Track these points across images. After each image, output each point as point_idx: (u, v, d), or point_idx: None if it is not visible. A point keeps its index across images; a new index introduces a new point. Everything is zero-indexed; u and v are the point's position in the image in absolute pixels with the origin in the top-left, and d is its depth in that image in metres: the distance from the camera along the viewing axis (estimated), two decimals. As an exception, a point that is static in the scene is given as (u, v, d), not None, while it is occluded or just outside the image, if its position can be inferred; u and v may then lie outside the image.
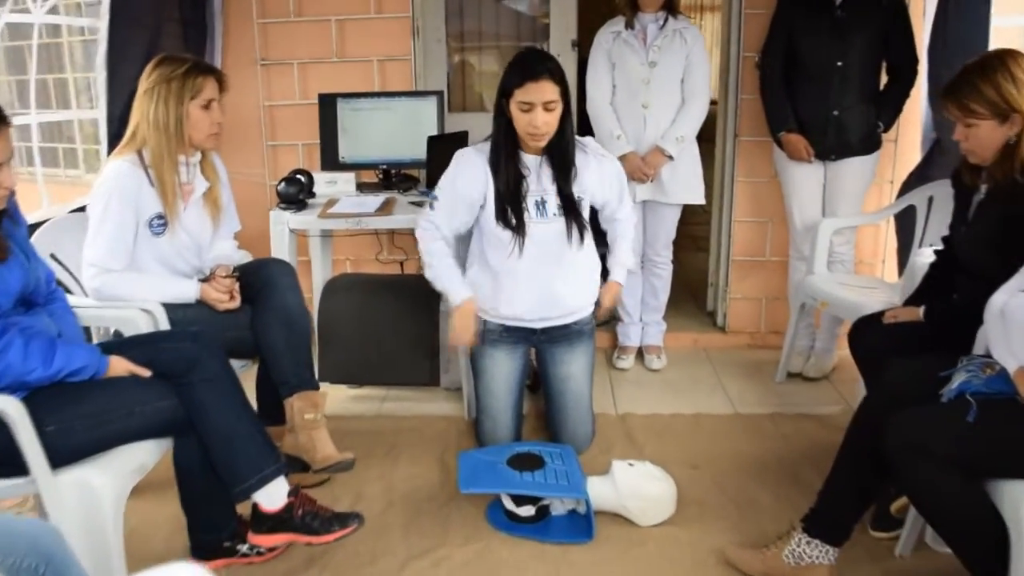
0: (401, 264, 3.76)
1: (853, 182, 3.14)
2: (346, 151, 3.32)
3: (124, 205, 2.22)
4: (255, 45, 3.57)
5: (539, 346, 2.69)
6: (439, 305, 3.03)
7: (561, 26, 4.05)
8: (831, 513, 1.98)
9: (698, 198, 3.28)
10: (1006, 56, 1.94)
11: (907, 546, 2.11)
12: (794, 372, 3.35)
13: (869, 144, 3.10)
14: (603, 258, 2.74)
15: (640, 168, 3.12)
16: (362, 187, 3.31)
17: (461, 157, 2.52)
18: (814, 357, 3.35)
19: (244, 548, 2.12)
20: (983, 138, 1.97)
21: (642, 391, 3.28)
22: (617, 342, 3.57)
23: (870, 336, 2.29)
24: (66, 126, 3.91)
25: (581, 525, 2.29)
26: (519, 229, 2.45)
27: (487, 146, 2.48)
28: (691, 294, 4.22)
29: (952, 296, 2.23)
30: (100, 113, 2.66)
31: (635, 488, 2.30)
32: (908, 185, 3.14)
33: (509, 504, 2.30)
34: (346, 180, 3.26)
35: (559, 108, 2.36)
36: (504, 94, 2.37)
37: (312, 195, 3.09)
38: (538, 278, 2.53)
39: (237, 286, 2.37)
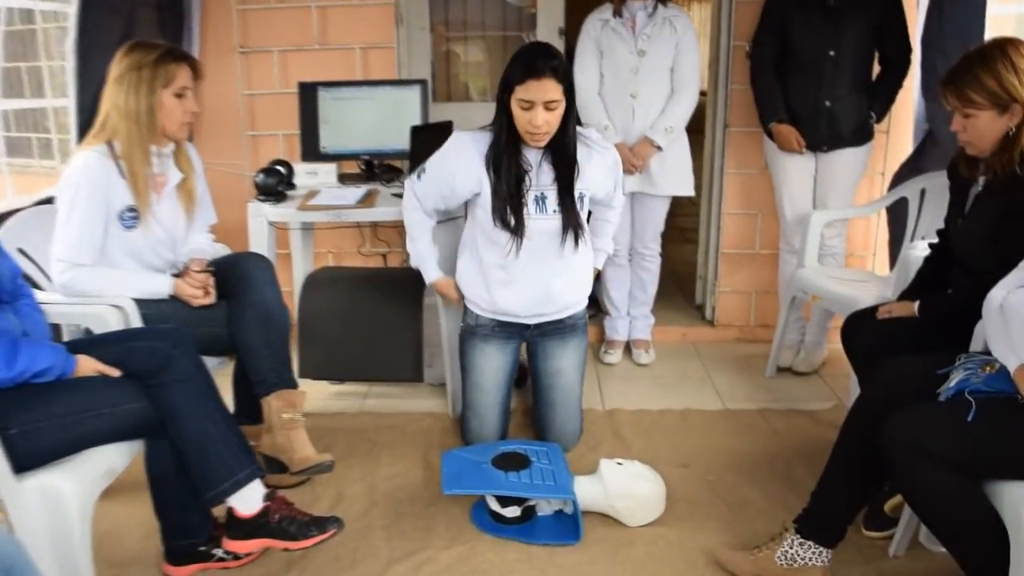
0: (384, 257, 3.69)
1: (845, 174, 3.10)
2: (327, 141, 3.23)
3: (93, 197, 2.13)
4: (234, 32, 3.48)
5: (531, 340, 2.63)
6: (423, 299, 2.97)
7: (548, 13, 3.97)
8: (825, 514, 1.94)
9: (687, 190, 3.23)
10: (1007, 45, 1.88)
11: (901, 546, 2.08)
12: (784, 366, 3.31)
13: (861, 135, 3.05)
14: None
15: (628, 159, 3.06)
16: (344, 178, 3.23)
17: (456, 142, 2.44)
18: (804, 351, 3.31)
19: (220, 552, 2.06)
20: (982, 129, 1.92)
21: (630, 386, 3.23)
22: (604, 336, 3.52)
23: (864, 332, 2.24)
24: (40, 116, 3.81)
25: (568, 526, 2.23)
26: (518, 230, 2.38)
27: (485, 137, 2.39)
28: (679, 287, 4.17)
29: (947, 291, 2.18)
30: (70, 101, 2.57)
31: (623, 488, 2.24)
32: (900, 177, 3.09)
33: (494, 505, 2.24)
34: (327, 171, 3.17)
35: (561, 107, 2.28)
36: (505, 88, 2.29)
37: (292, 186, 3.01)
38: (535, 276, 2.47)
39: (212, 281, 2.29)
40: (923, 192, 2.94)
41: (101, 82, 2.19)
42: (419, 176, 2.49)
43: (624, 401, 3.06)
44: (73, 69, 2.56)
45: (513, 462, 2.29)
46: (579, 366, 2.65)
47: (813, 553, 1.93)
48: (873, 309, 2.29)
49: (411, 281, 3.07)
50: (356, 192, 2.91)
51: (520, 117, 2.28)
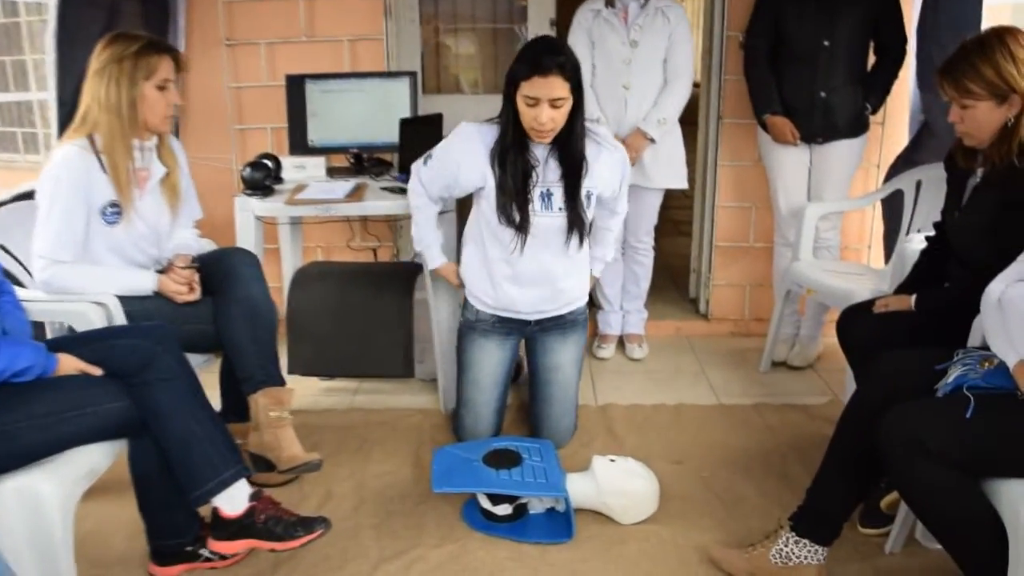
0: (374, 251, 3.64)
1: (840, 166, 3.07)
2: (315, 134, 3.19)
3: (73, 193, 2.09)
4: (220, 24, 3.42)
5: (531, 336, 2.60)
6: (413, 293, 2.93)
7: (540, 5, 3.93)
8: (820, 512, 1.91)
9: (681, 182, 3.20)
10: (1005, 34, 1.85)
11: (897, 543, 2.05)
12: (778, 361, 3.28)
13: (856, 127, 3.02)
14: None
15: (621, 152, 3.02)
16: (333, 172, 3.19)
17: (462, 133, 2.39)
18: (799, 345, 3.28)
19: (206, 552, 2.02)
20: (980, 120, 1.89)
21: (623, 381, 3.20)
22: (597, 330, 3.48)
23: (860, 326, 2.21)
24: (26, 110, 3.74)
25: (560, 524, 2.20)
26: (522, 227, 2.34)
27: (492, 131, 2.35)
28: (673, 281, 4.14)
29: (944, 284, 2.15)
30: (50, 95, 2.52)
31: (616, 485, 2.21)
32: (895, 169, 3.06)
33: (485, 503, 2.21)
34: (316, 165, 3.12)
35: (567, 105, 2.23)
36: (511, 83, 2.25)
37: (279, 180, 2.96)
38: (540, 272, 2.44)
39: (197, 277, 2.25)
40: (919, 184, 2.91)
41: (82, 75, 2.14)
42: (425, 162, 2.46)
43: (617, 396, 3.03)
44: (53, 62, 2.51)
45: (504, 459, 2.26)
46: (577, 362, 2.62)
47: (808, 551, 1.90)
48: (869, 303, 2.26)
49: (401, 276, 3.03)
50: (344, 186, 2.87)
51: (525, 114, 2.23)
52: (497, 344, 2.55)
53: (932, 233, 2.25)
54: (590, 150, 2.36)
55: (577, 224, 2.38)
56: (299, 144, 3.19)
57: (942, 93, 1.94)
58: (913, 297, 2.14)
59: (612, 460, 2.28)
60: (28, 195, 2.30)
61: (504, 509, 2.20)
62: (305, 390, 3.06)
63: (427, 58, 4.05)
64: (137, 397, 1.82)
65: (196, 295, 2.24)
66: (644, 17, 2.98)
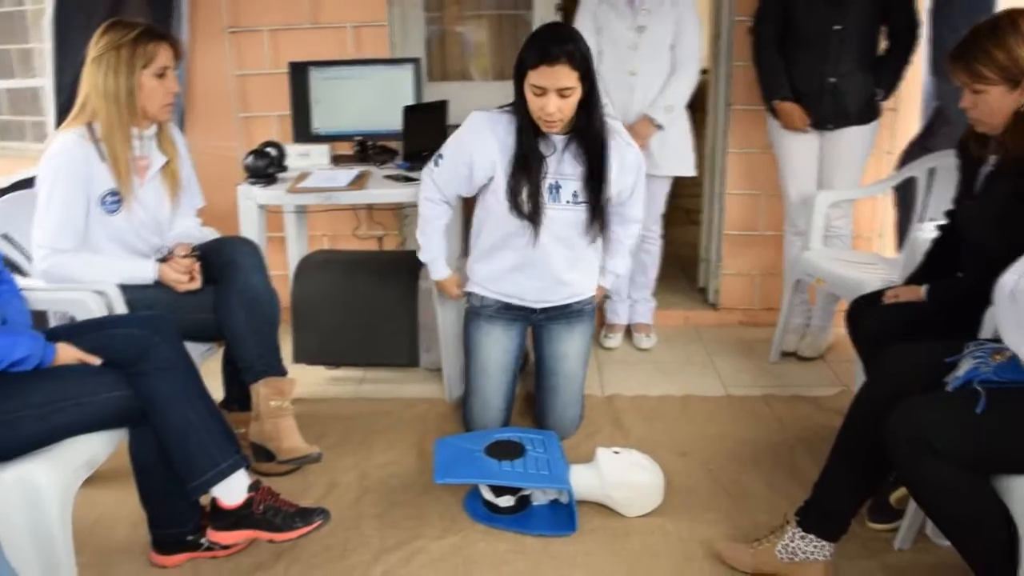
0: (380, 240, 3.62)
1: (850, 153, 3.01)
2: (320, 122, 3.16)
3: (73, 181, 2.08)
4: (223, 12, 3.39)
5: (537, 324, 2.57)
6: (419, 282, 2.91)
7: (545, -11, 3.87)
8: (827, 507, 1.87)
9: (688, 170, 3.15)
10: (1018, 17, 1.79)
11: (906, 539, 2.01)
12: (788, 351, 3.24)
13: (867, 113, 2.96)
14: None
15: (628, 139, 2.98)
16: (338, 160, 3.16)
17: (472, 123, 2.35)
18: (809, 336, 3.24)
19: (208, 542, 2.01)
20: (992, 105, 1.84)
21: (630, 371, 3.17)
22: (605, 320, 3.45)
23: (870, 317, 2.17)
24: (32, 98, 3.73)
25: (563, 516, 2.18)
26: (534, 218, 2.30)
27: (502, 119, 2.31)
28: (682, 270, 4.10)
29: (956, 274, 2.11)
30: (48, 82, 2.50)
31: (620, 477, 2.19)
32: (908, 156, 3.01)
33: (488, 494, 2.19)
34: (320, 152, 3.10)
35: (576, 94, 2.18)
36: (519, 72, 2.20)
37: (283, 168, 2.94)
38: (546, 265, 2.42)
39: (198, 266, 2.24)
40: (932, 172, 2.85)
41: (81, 62, 2.13)
42: (436, 163, 2.41)
43: (624, 387, 3.00)
44: (51, 49, 2.49)
45: (507, 451, 2.23)
46: (583, 352, 2.59)
47: (815, 547, 1.87)
48: (879, 293, 2.22)
49: (407, 264, 3.01)
50: (347, 174, 2.84)
51: (533, 103, 2.19)
52: (503, 330, 2.53)
53: (944, 222, 2.21)
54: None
55: (598, 216, 2.34)
56: (303, 132, 3.17)
57: (953, 78, 1.89)
58: (924, 288, 2.10)
59: (616, 452, 2.25)
60: (28, 182, 2.29)
61: (507, 501, 2.18)
62: (311, 379, 3.05)
63: (433, 45, 4.01)
64: (136, 386, 1.81)
65: (197, 284, 2.22)
66: (651, 2, 2.93)
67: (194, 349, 2.21)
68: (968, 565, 1.67)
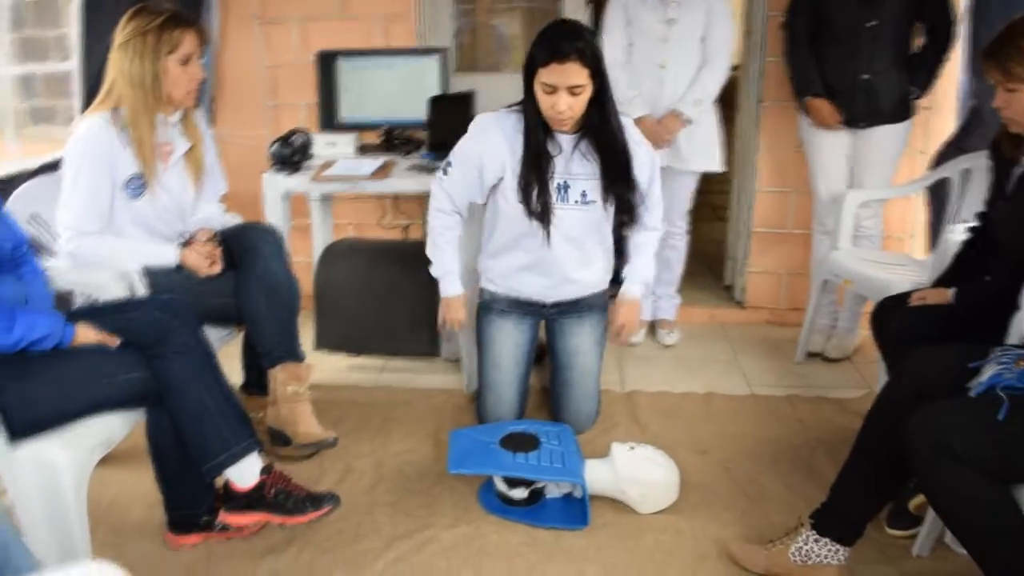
0: (405, 229, 3.63)
1: (882, 152, 2.94)
2: (346, 111, 3.17)
3: (98, 165, 2.10)
4: (253, 1, 3.41)
5: (548, 318, 2.56)
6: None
7: (576, -20, 3.84)
8: (843, 510, 1.84)
9: (716, 165, 3.11)
10: (1055, 13, 1.74)
11: (925, 546, 1.97)
12: (814, 352, 3.19)
13: (901, 111, 2.89)
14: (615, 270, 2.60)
15: (655, 132, 2.95)
16: (364, 149, 3.17)
17: (478, 125, 2.34)
18: (836, 337, 3.19)
19: (221, 523, 2.03)
20: (1026, 104, 1.79)
21: (652, 367, 3.14)
22: (628, 316, 3.42)
23: (895, 318, 2.12)
24: (66, 83, 3.75)
25: (577, 510, 2.17)
26: (544, 218, 2.28)
27: (510, 118, 2.29)
28: (709, 267, 4.05)
29: (985, 278, 2.05)
30: (75, 66, 2.53)
31: (635, 473, 2.17)
32: (942, 156, 2.93)
33: (501, 486, 2.19)
34: (346, 142, 3.11)
35: (587, 91, 2.16)
36: (529, 69, 2.19)
37: (309, 156, 2.95)
38: (555, 265, 2.41)
39: (219, 251, 2.26)
40: (966, 173, 2.78)
41: (108, 48, 2.15)
42: (445, 172, 2.38)
43: (645, 383, 2.98)
44: (79, 34, 2.52)
45: (522, 443, 2.22)
46: (596, 346, 2.57)
47: (829, 550, 1.84)
48: (906, 295, 2.17)
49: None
50: (372, 163, 2.85)
51: (543, 101, 2.17)
52: (514, 324, 2.52)
53: (976, 224, 2.15)
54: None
55: (626, 210, 2.32)
56: (330, 121, 3.18)
57: (986, 76, 1.84)
58: (952, 290, 2.05)
59: (631, 448, 2.23)
60: (55, 164, 2.32)
61: (520, 493, 2.18)
62: (332, 366, 3.08)
63: (462, 35, 4.00)
64: (153, 369, 1.84)
65: (217, 269, 2.24)
66: (682, -7, 2.89)
67: (214, 333, 2.24)
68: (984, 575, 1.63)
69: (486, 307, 2.55)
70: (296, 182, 2.77)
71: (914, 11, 2.81)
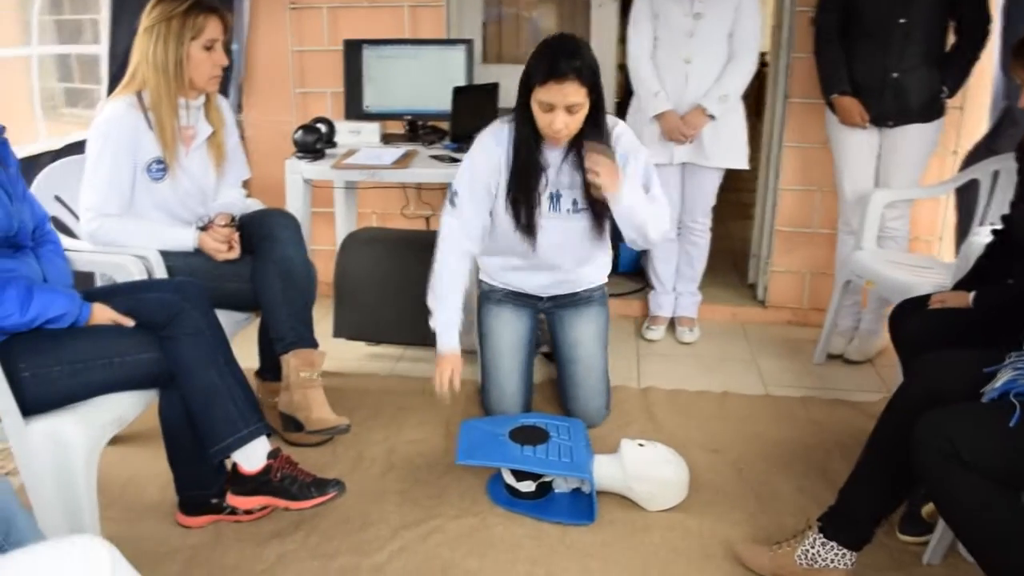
0: (427, 220, 3.64)
1: (910, 152, 2.88)
2: (371, 100, 3.18)
3: (120, 148, 2.13)
4: (284, -14, 3.45)
5: (546, 311, 2.57)
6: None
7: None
8: (851, 514, 1.81)
9: (740, 162, 3.07)
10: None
11: (936, 553, 1.93)
12: (835, 354, 3.15)
13: (931, 110, 2.83)
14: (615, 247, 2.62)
15: (679, 128, 2.92)
16: (388, 138, 3.18)
17: (478, 143, 2.34)
18: (858, 339, 3.14)
19: (229, 506, 2.06)
20: (1054, 105, 1.74)
21: (669, 365, 3.12)
22: (648, 311, 3.40)
23: (912, 320, 2.09)
24: (97, 67, 3.80)
25: (584, 505, 2.16)
26: (529, 229, 2.30)
27: (504, 129, 2.29)
28: (733, 265, 4.01)
29: (1008, 281, 2.00)
30: (102, 49, 2.57)
31: (643, 470, 2.15)
32: (972, 157, 2.87)
33: (509, 478, 2.19)
34: (371, 130, 3.12)
35: (584, 109, 2.14)
36: (526, 85, 2.17)
37: (332, 144, 2.97)
38: (550, 267, 2.44)
39: (237, 236, 2.28)
40: (996, 174, 2.72)
41: (134, 32, 2.18)
42: (452, 202, 2.34)
43: (661, 380, 2.95)
44: (107, 18, 2.56)
45: (531, 436, 2.22)
46: (598, 337, 2.56)
47: (835, 555, 1.81)
48: (926, 297, 2.13)
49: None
50: (394, 152, 2.86)
51: (540, 119, 2.16)
52: (512, 312, 2.54)
53: (1000, 227, 2.10)
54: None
55: (595, 226, 2.34)
56: (355, 109, 3.19)
57: (1014, 76, 1.79)
58: (972, 294, 2.01)
59: (641, 444, 2.22)
60: (79, 146, 2.36)
61: (527, 486, 2.17)
62: (351, 354, 3.09)
63: (489, 26, 4.00)
64: (164, 350, 1.86)
65: (235, 254, 2.26)
66: (709, -12, 2.86)
67: (231, 318, 2.26)
68: (993, 587, 1.59)
69: (485, 297, 2.58)
70: (318, 169, 2.79)
71: (947, 8, 2.74)
